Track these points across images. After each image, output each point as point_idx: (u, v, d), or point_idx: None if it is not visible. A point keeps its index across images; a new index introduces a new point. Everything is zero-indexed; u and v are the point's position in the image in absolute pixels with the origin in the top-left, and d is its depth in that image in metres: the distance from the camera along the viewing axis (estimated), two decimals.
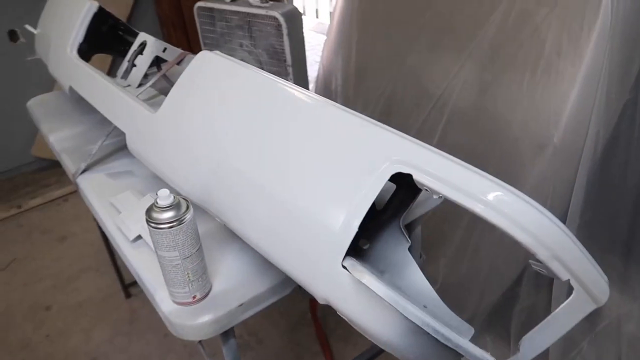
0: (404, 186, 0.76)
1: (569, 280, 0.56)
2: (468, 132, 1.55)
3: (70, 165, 1.22)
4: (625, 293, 1.35)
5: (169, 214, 0.70)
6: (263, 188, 0.73)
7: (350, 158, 0.66)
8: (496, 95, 1.46)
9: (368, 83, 1.99)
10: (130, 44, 1.41)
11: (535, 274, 1.40)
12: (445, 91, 1.61)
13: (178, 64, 1.27)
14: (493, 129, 1.47)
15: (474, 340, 0.58)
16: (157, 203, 0.70)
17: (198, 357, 1.69)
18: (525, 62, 1.37)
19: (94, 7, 1.37)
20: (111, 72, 2.11)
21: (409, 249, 0.72)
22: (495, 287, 1.50)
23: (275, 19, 1.79)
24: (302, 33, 1.88)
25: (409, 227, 0.90)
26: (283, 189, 0.71)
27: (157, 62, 1.39)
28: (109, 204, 1.04)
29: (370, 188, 0.62)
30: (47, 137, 1.38)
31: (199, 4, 2.03)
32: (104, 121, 1.23)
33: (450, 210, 1.54)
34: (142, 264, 0.88)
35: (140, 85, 1.35)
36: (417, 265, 0.69)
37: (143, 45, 1.37)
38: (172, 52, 1.32)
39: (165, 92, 1.05)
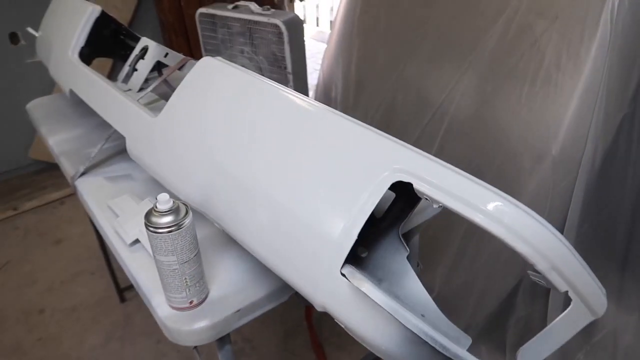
0: (403, 195, 0.76)
1: (567, 291, 0.56)
2: (467, 142, 1.56)
3: (68, 168, 1.21)
4: (622, 305, 1.35)
5: (168, 219, 0.70)
6: (262, 194, 0.73)
7: (351, 166, 0.66)
8: (495, 106, 1.47)
9: (368, 92, 2.00)
10: (132, 48, 1.42)
11: (531, 285, 1.40)
12: (444, 101, 1.62)
13: (179, 69, 1.28)
14: (492, 140, 1.48)
15: (470, 350, 0.58)
16: (156, 207, 0.70)
17: None
18: (524, 74, 1.38)
19: (97, 11, 1.38)
20: (111, 77, 2.11)
21: (407, 259, 0.72)
22: (492, 298, 1.49)
23: (276, 26, 1.80)
24: (303, 41, 1.88)
25: (407, 236, 0.90)
26: (282, 195, 0.71)
27: (159, 67, 1.40)
28: (107, 207, 1.04)
29: (370, 196, 0.62)
30: (46, 140, 1.38)
31: (201, 10, 2.04)
32: (103, 125, 1.23)
33: (447, 220, 1.55)
34: (139, 268, 0.88)
35: (141, 89, 1.35)
36: (415, 274, 0.69)
37: (145, 50, 1.38)
38: (174, 58, 1.33)
39: (166, 97, 1.05)
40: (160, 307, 0.79)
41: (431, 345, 0.55)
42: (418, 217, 0.94)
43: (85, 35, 1.36)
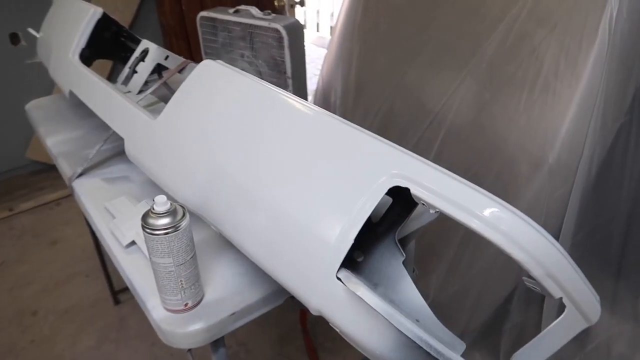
0: (400, 200, 0.76)
1: (561, 298, 0.57)
2: (464, 149, 1.56)
3: (66, 168, 1.21)
4: (616, 314, 1.35)
5: (165, 221, 0.70)
6: (260, 198, 0.73)
7: (348, 170, 0.66)
8: (493, 113, 1.48)
9: (367, 97, 2.01)
10: (132, 51, 1.42)
11: (526, 292, 1.40)
12: (443, 108, 1.63)
13: (179, 72, 1.28)
14: (489, 147, 1.49)
15: (464, 356, 0.58)
16: (153, 209, 0.70)
17: None
18: (523, 81, 1.38)
19: (98, 13, 1.38)
20: (111, 79, 2.11)
21: (403, 264, 0.72)
22: (487, 305, 1.50)
23: (277, 31, 1.80)
24: (303, 46, 1.89)
25: (403, 242, 0.90)
26: (280, 199, 0.71)
27: (159, 69, 1.40)
28: (103, 208, 1.03)
29: (367, 201, 0.62)
30: (44, 140, 1.38)
31: (202, 13, 2.04)
32: (102, 126, 1.23)
33: (443, 227, 1.55)
34: (135, 270, 0.88)
35: (140, 92, 1.35)
36: (410, 280, 0.69)
37: (145, 52, 1.38)
38: (174, 60, 1.33)
39: (165, 99, 1.06)
40: (155, 309, 0.79)
41: (426, 350, 0.55)
42: (415, 222, 0.94)
43: (86, 37, 1.36)
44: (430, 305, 0.66)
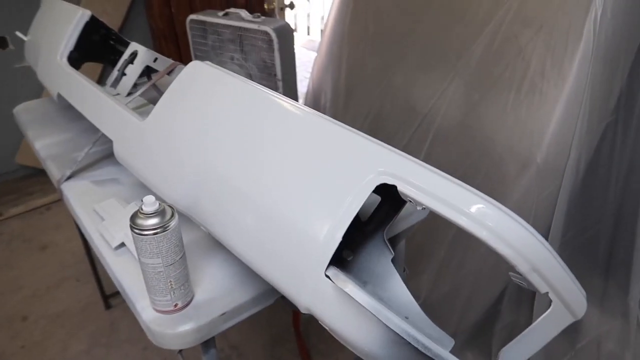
0: (388, 198, 0.77)
1: (547, 293, 0.57)
2: (453, 150, 1.58)
3: (55, 171, 1.21)
4: (605, 312, 1.37)
5: (154, 221, 0.70)
6: (248, 197, 0.74)
7: (336, 169, 0.67)
8: (481, 114, 1.49)
9: (357, 99, 2.02)
10: (122, 53, 1.42)
11: (516, 292, 1.42)
12: (431, 110, 1.64)
13: (168, 74, 1.28)
14: (478, 148, 1.50)
15: (455, 354, 0.58)
16: (142, 209, 0.70)
17: None
18: (510, 82, 1.40)
19: (86, 15, 1.38)
20: (101, 82, 2.10)
21: (392, 262, 0.72)
22: (478, 305, 1.50)
23: (267, 33, 1.81)
24: (293, 48, 1.89)
25: (393, 241, 0.91)
26: (268, 198, 0.71)
27: (148, 72, 1.40)
28: (92, 211, 1.03)
29: (355, 198, 0.63)
30: (33, 144, 1.37)
31: (191, 16, 2.04)
32: (91, 129, 1.22)
33: (433, 227, 1.56)
34: (124, 271, 0.87)
35: (129, 94, 1.35)
36: (399, 277, 0.69)
37: (134, 55, 1.38)
38: (163, 62, 1.33)
39: (154, 102, 1.05)
40: (145, 310, 0.78)
41: (414, 347, 0.56)
42: (403, 222, 0.94)
43: (74, 39, 1.36)
44: (421, 305, 0.66)
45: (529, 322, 1.41)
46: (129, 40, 1.45)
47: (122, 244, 0.92)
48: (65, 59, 1.34)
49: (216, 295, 0.80)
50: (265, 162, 0.74)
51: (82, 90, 1.23)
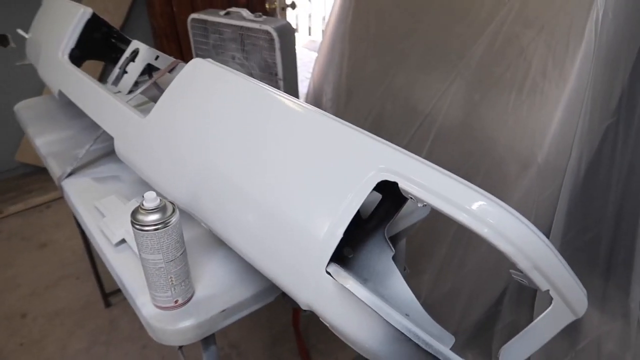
0: (389, 196, 0.77)
1: (548, 290, 0.57)
2: (454, 150, 1.58)
3: (56, 168, 1.21)
4: (605, 312, 1.37)
5: (155, 217, 0.70)
6: (249, 194, 0.73)
7: (337, 165, 0.67)
8: (482, 114, 1.49)
9: (358, 100, 2.02)
10: (123, 51, 1.42)
11: (517, 292, 1.41)
12: (432, 109, 1.64)
13: (170, 72, 1.28)
14: (479, 148, 1.50)
15: (455, 352, 0.58)
16: (143, 205, 0.70)
17: None
18: (511, 82, 1.40)
19: (88, 13, 1.38)
20: (102, 80, 2.10)
21: (393, 260, 0.72)
22: (478, 305, 1.50)
23: (268, 33, 1.81)
24: (294, 48, 1.90)
25: (394, 240, 0.91)
26: (269, 195, 0.71)
27: (149, 70, 1.40)
28: (93, 207, 1.03)
29: (356, 195, 0.63)
30: (33, 141, 1.37)
31: (192, 15, 2.05)
32: (91, 126, 1.22)
33: (434, 228, 1.56)
34: (124, 268, 0.87)
35: (130, 92, 1.35)
36: (400, 275, 0.69)
37: (135, 53, 1.38)
38: (164, 60, 1.33)
39: (155, 100, 1.05)
40: (145, 306, 0.78)
41: (414, 343, 0.56)
42: (404, 220, 0.94)
43: (75, 37, 1.36)
44: (421, 305, 0.66)
45: (529, 322, 1.41)
46: (130, 38, 1.46)
47: (123, 241, 0.92)
48: (66, 56, 1.35)
49: (217, 291, 0.80)
50: (267, 159, 0.74)
51: (83, 87, 1.23)
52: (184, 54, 2.80)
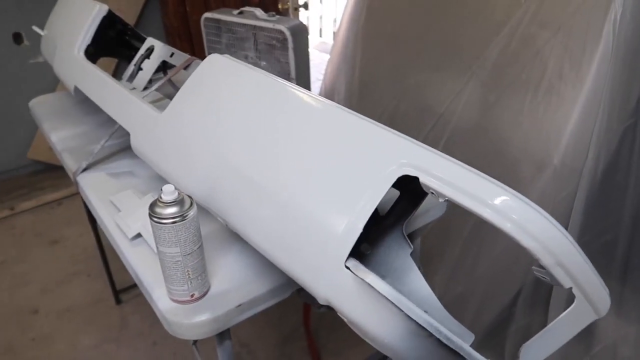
0: (407, 193, 0.76)
1: (571, 288, 0.56)
2: (469, 150, 1.57)
3: (71, 163, 1.21)
4: (621, 317, 1.35)
5: (173, 210, 0.70)
6: (267, 188, 0.73)
7: (357, 160, 0.66)
8: (497, 115, 1.48)
9: (370, 100, 2.01)
10: (137, 49, 1.43)
11: (531, 294, 1.40)
12: (447, 110, 1.63)
13: (185, 69, 1.28)
14: (493, 149, 1.49)
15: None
16: (161, 198, 0.70)
17: None
18: (527, 83, 1.39)
19: (104, 10, 1.39)
20: (115, 77, 2.12)
21: (410, 255, 0.72)
22: (491, 307, 1.49)
23: (281, 32, 1.81)
24: (307, 47, 1.90)
25: (409, 239, 0.90)
26: (287, 190, 0.71)
27: (164, 67, 1.41)
28: (108, 202, 1.03)
29: (377, 190, 0.62)
30: (49, 136, 1.38)
31: (206, 14, 2.05)
32: (106, 122, 1.23)
33: (447, 228, 1.55)
34: (140, 261, 0.87)
35: (145, 88, 1.36)
36: (418, 271, 0.69)
37: (150, 50, 1.38)
38: (179, 57, 1.34)
39: (170, 97, 1.06)
40: (161, 300, 0.78)
41: (435, 338, 0.55)
42: (421, 218, 0.94)
43: (91, 33, 1.37)
44: None
45: (543, 324, 1.40)
46: (144, 36, 1.46)
47: (139, 235, 0.92)
48: (82, 53, 1.35)
49: (232, 286, 0.80)
50: (285, 153, 0.74)
51: (99, 83, 1.23)
52: (196, 54, 2.80)
